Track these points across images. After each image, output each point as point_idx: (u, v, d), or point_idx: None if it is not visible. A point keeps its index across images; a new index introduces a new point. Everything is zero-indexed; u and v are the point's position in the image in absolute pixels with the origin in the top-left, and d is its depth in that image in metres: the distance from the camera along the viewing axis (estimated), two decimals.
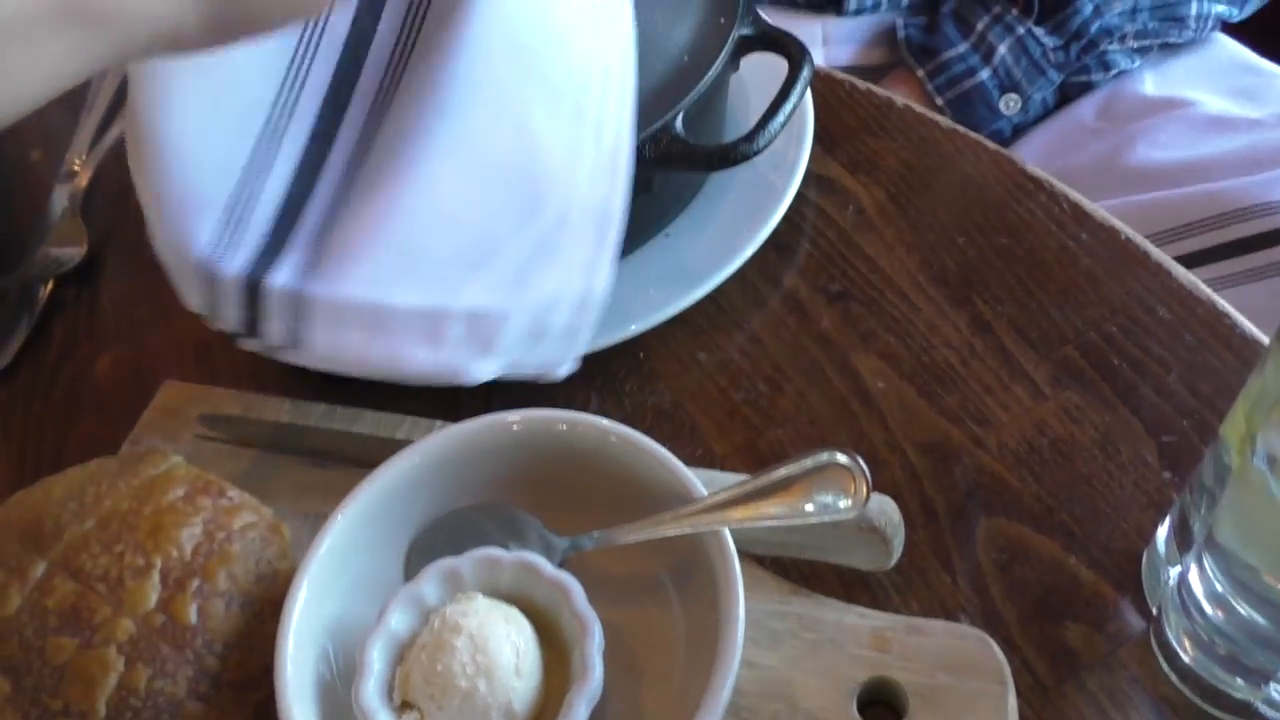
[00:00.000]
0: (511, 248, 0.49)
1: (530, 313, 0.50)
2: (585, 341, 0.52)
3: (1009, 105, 0.85)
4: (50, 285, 0.71)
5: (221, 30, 0.45)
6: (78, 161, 0.79)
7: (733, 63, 0.60)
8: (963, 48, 0.84)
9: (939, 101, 0.85)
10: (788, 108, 0.55)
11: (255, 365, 0.66)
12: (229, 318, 0.52)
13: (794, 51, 0.58)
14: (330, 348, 0.50)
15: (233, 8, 0.41)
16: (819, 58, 0.93)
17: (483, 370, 0.51)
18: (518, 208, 0.48)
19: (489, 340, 0.50)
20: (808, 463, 0.41)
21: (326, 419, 0.58)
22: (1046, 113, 0.89)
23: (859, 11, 0.89)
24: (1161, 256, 0.61)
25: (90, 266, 0.74)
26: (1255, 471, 0.37)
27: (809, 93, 0.63)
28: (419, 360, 0.50)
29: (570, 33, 0.49)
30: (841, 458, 0.40)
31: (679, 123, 0.54)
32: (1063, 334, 0.59)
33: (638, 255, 0.63)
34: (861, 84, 0.74)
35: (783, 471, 0.41)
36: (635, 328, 0.59)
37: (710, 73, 0.56)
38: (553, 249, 0.49)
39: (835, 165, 0.70)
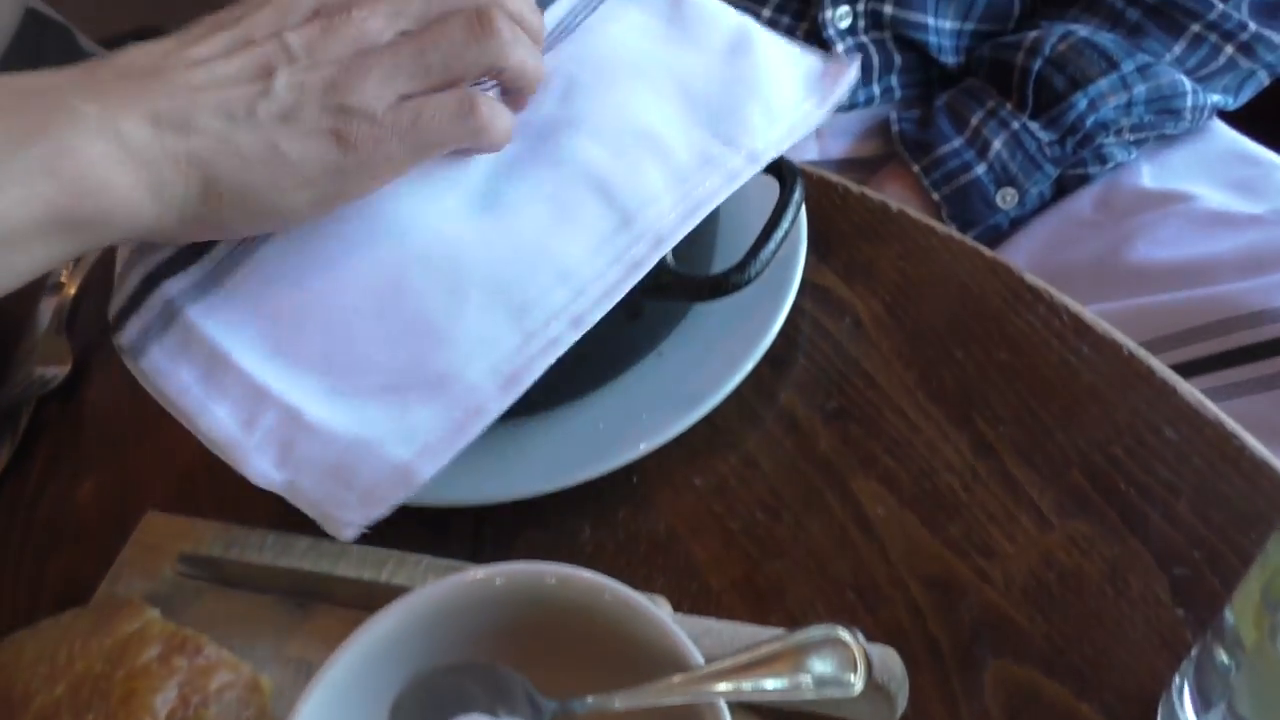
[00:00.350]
0: (369, 378, 0.47)
1: (344, 448, 0.47)
2: (381, 514, 0.47)
3: (1005, 200, 0.84)
4: (33, 405, 0.70)
5: (191, 233, 0.47)
6: (65, 272, 0.78)
7: None
8: (957, 143, 0.83)
9: (935, 197, 0.84)
10: (778, 235, 0.54)
11: (240, 492, 0.64)
12: (115, 304, 0.50)
13: (785, 173, 0.57)
14: (157, 373, 0.48)
15: (204, 221, 0.43)
16: (813, 151, 0.93)
17: (266, 475, 0.48)
18: (403, 351, 0.47)
19: (289, 448, 0.47)
20: (807, 636, 0.39)
21: (311, 553, 0.57)
22: (1044, 204, 0.88)
23: (852, 106, 0.88)
24: (1166, 373, 0.60)
25: (73, 383, 0.72)
26: (1274, 651, 0.35)
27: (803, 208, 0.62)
28: (218, 424, 0.48)
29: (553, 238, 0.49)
30: (842, 634, 0.38)
31: (669, 256, 0.53)
32: (1067, 456, 0.57)
33: (629, 376, 0.61)
34: (855, 188, 0.74)
35: (781, 645, 0.39)
36: (629, 455, 0.58)
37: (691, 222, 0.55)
38: (404, 407, 0.47)
39: (830, 274, 0.69)
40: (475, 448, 0.59)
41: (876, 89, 0.88)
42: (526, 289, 0.47)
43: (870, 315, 0.66)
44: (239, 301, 0.48)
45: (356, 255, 0.48)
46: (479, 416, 0.48)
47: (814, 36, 0.85)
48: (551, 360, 0.48)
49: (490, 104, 0.46)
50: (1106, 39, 0.82)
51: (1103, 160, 0.84)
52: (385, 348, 0.47)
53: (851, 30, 0.85)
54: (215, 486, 0.64)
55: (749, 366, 0.61)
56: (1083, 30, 0.82)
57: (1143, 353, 0.61)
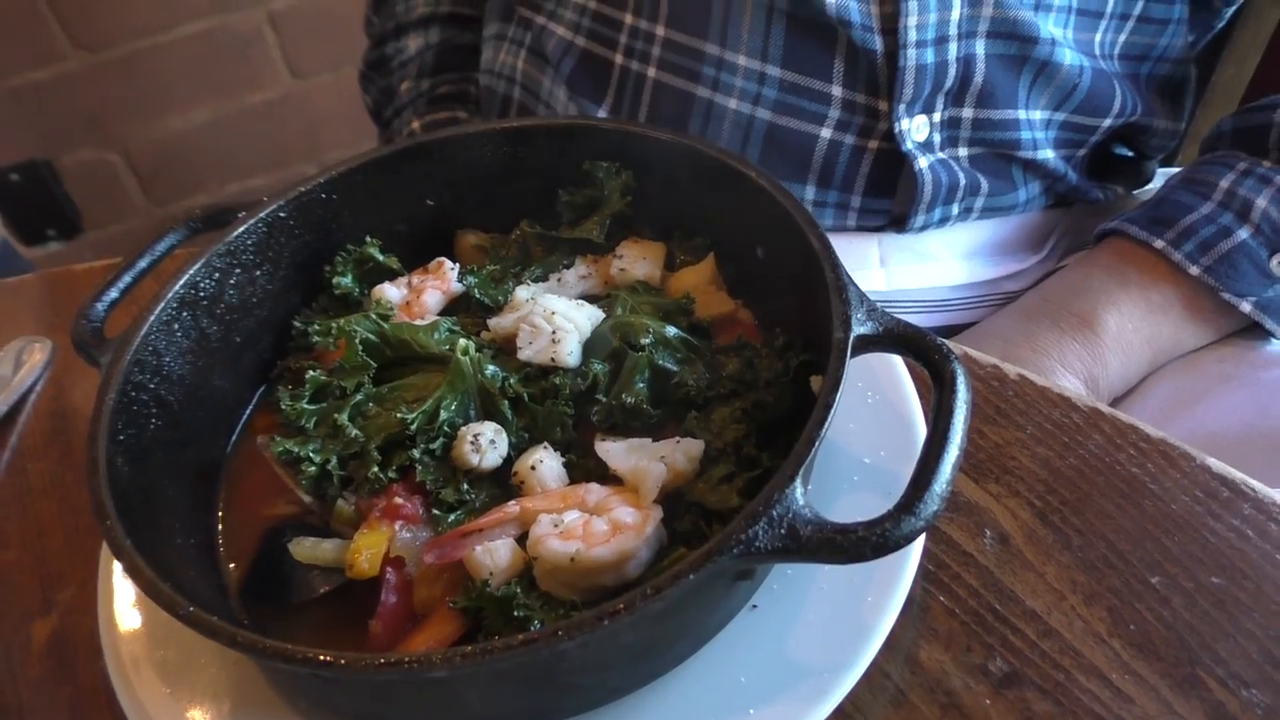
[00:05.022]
0: None
1: None
2: None
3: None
4: None
5: None
6: None
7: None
8: (1207, 208, 0.67)
9: (1194, 270, 0.67)
10: (950, 460, 0.37)
11: None
12: None
13: (937, 359, 0.40)
14: None
15: None
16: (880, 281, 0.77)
17: None
18: None
19: None
20: None
21: None
22: None
23: (924, 227, 0.73)
24: None
25: None
26: None
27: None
28: None
29: None
30: None
31: (799, 492, 0.36)
32: None
33: (722, 649, 0.43)
34: (957, 347, 0.57)
35: None
36: None
37: (824, 428, 0.38)
38: None
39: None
40: None
41: (955, 208, 0.74)
42: None
43: (1019, 526, 0.49)
44: None
45: None
46: None
47: (888, 154, 0.70)
48: None
49: None
50: None
51: None
52: None
53: (927, 145, 0.70)
54: None
55: (882, 631, 0.43)
56: None
57: None
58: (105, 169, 1.81)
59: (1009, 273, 0.82)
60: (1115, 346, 0.68)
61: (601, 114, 0.74)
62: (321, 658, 0.34)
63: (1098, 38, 0.71)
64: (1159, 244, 0.68)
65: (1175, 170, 0.76)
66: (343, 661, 0.34)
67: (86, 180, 1.82)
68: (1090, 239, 0.76)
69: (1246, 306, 0.66)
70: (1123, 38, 0.73)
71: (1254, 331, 0.69)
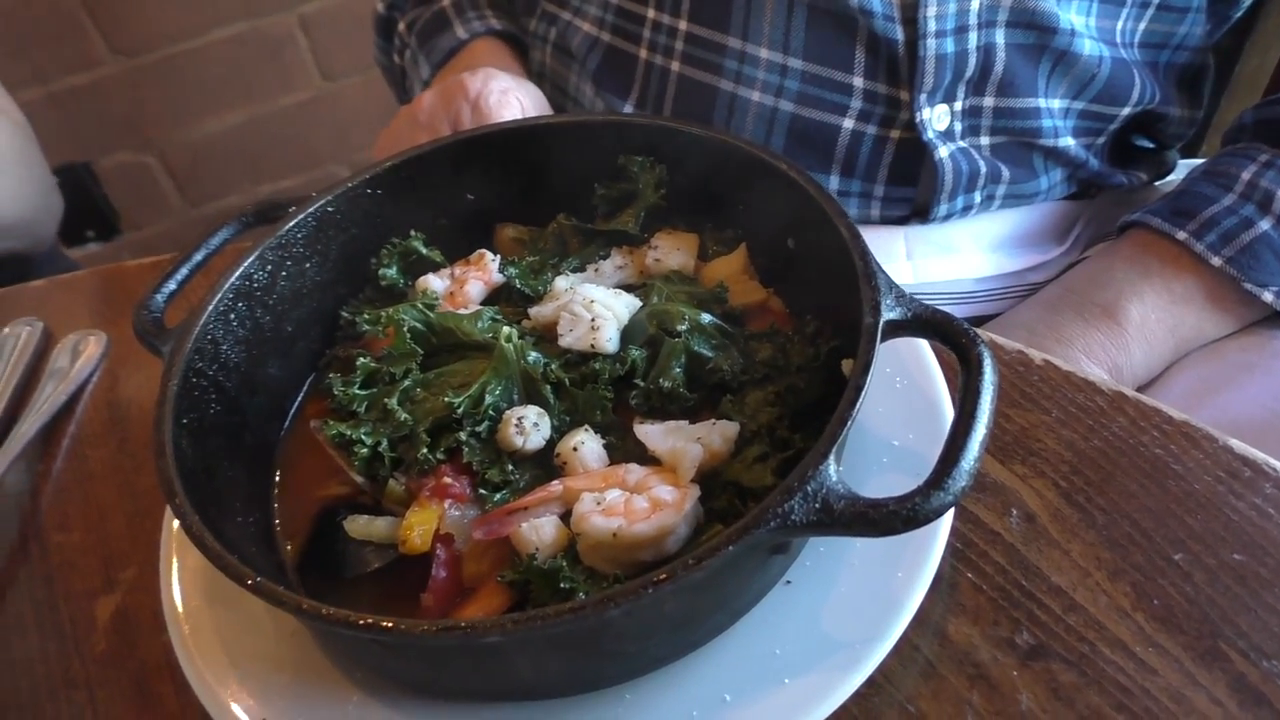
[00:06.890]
0: None
1: None
2: None
3: None
4: None
5: None
6: None
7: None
8: (1229, 200, 0.69)
9: (1216, 261, 0.67)
10: (978, 436, 0.38)
11: None
12: None
13: (963, 341, 0.42)
14: None
15: None
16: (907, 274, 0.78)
17: None
18: None
19: None
20: None
21: None
22: None
23: (948, 216, 0.75)
24: None
25: None
26: None
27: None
28: None
29: None
30: None
31: (832, 468, 0.37)
32: None
33: (756, 622, 0.45)
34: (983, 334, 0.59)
35: None
36: None
37: (855, 407, 0.39)
38: None
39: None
40: None
41: (977, 196, 0.75)
42: None
43: (1044, 506, 0.51)
44: None
45: None
46: None
47: (910, 144, 0.72)
48: None
49: None
50: None
51: None
52: None
53: (948, 134, 0.72)
54: None
55: (913, 605, 0.45)
56: None
57: None
58: (142, 171, 1.85)
59: (1033, 264, 0.83)
60: (1139, 336, 0.69)
61: (627, 108, 0.76)
62: (384, 623, 0.36)
63: (1119, 25, 0.73)
64: (1181, 235, 0.69)
65: (1198, 162, 0.78)
66: (403, 627, 0.36)
67: (124, 182, 1.86)
68: (1113, 230, 0.77)
69: (1268, 296, 0.67)
70: (1143, 25, 0.74)
71: (1275, 320, 0.70)
